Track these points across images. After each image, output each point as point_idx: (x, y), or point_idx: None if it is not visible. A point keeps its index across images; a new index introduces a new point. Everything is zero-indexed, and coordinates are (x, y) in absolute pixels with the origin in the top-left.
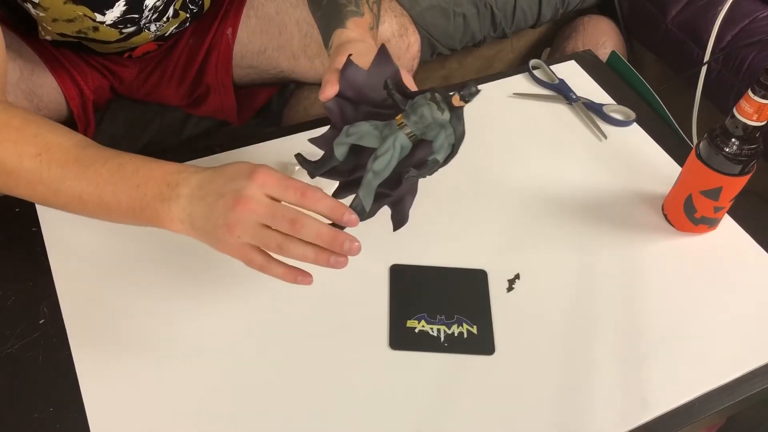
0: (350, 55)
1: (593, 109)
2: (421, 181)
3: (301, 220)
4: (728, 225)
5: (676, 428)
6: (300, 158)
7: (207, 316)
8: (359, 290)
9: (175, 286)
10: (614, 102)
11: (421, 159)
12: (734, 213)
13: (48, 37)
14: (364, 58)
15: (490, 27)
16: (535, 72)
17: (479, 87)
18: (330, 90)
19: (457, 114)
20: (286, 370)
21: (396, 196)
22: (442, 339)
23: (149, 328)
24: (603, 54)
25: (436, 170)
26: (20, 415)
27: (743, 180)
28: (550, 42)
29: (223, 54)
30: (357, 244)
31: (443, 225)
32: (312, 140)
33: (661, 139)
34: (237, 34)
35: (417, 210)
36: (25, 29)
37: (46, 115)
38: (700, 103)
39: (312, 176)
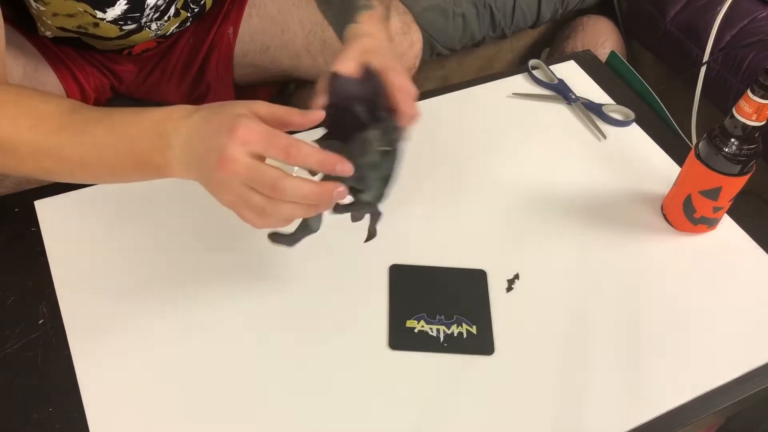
0: (335, 71)
1: (592, 109)
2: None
3: (281, 186)
4: (727, 225)
5: (676, 428)
6: (323, 143)
7: (206, 317)
8: (359, 290)
9: (174, 286)
10: (613, 102)
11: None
12: (734, 213)
13: (48, 33)
14: (374, 55)
15: (490, 27)
16: (535, 72)
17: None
18: (320, 100)
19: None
20: (286, 370)
21: (375, 209)
22: (442, 339)
23: (149, 328)
24: (602, 54)
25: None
26: (20, 415)
27: (742, 180)
28: (550, 42)
29: (224, 53)
30: (342, 188)
31: (443, 225)
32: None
33: (661, 139)
34: (239, 33)
35: (417, 210)
36: (28, 27)
37: None
38: (699, 103)
39: None
